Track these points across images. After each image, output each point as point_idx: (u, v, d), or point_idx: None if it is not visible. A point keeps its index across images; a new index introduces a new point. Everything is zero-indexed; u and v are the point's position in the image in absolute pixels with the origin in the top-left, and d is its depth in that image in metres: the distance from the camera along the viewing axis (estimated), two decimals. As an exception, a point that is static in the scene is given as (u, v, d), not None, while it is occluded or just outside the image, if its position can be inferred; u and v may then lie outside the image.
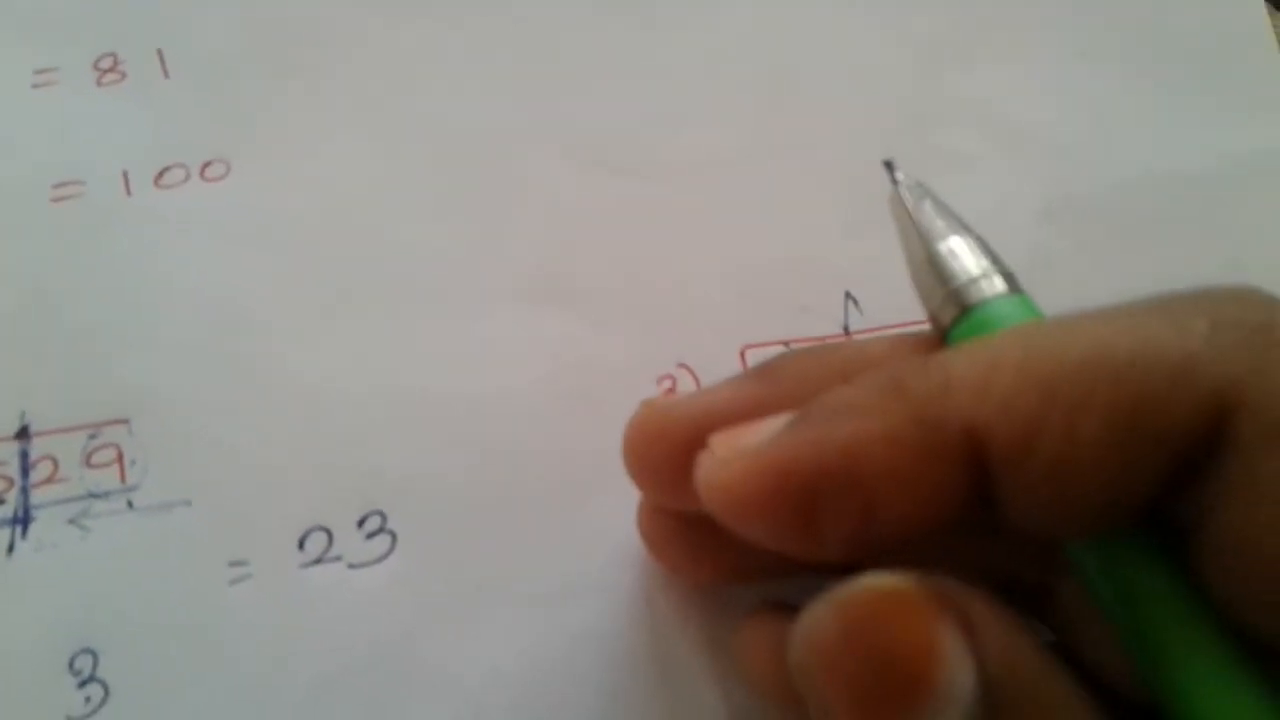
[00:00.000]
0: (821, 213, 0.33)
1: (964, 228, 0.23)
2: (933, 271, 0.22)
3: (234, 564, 0.27)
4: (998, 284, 0.22)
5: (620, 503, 0.28)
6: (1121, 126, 0.35)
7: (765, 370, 0.24)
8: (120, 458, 0.28)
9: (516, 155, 0.33)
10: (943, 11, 0.36)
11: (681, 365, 0.31)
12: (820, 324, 0.31)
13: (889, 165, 0.24)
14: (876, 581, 0.18)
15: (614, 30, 0.35)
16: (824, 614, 0.18)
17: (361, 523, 0.28)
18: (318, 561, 0.28)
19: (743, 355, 0.31)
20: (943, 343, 0.22)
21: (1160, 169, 0.34)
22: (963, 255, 0.22)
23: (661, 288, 0.31)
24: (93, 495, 0.28)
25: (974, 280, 0.22)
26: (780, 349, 0.31)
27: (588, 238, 0.32)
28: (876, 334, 0.29)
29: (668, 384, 0.30)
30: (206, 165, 0.32)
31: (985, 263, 0.22)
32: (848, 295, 0.32)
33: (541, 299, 0.31)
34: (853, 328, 0.31)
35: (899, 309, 0.31)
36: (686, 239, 0.32)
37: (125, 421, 0.29)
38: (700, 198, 0.33)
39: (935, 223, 0.23)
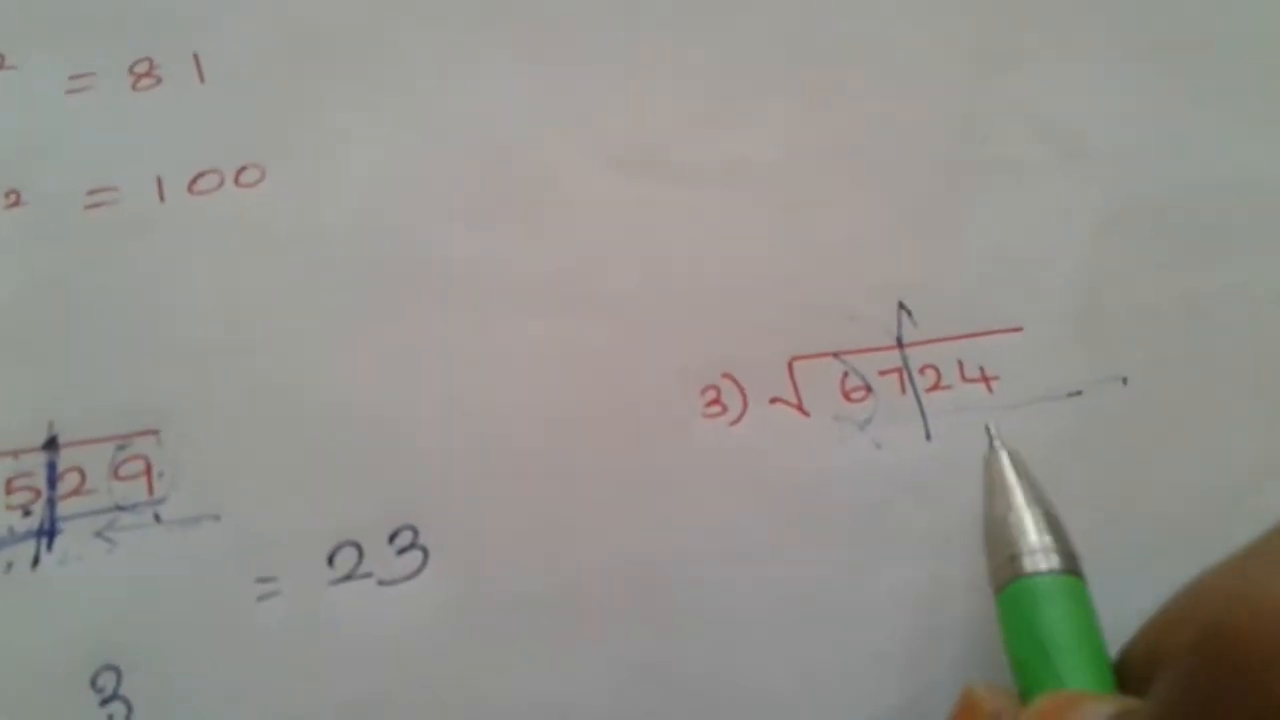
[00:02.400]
0: (871, 220, 0.32)
1: (1045, 502, 0.25)
2: (1001, 534, 0.24)
3: (262, 580, 0.27)
4: (1053, 561, 0.23)
5: (662, 519, 0.28)
6: (1184, 132, 0.33)
7: None
8: (149, 470, 0.28)
9: (555, 160, 0.32)
10: (993, 10, 0.35)
11: (726, 376, 0.30)
12: (872, 335, 0.30)
13: (988, 430, 0.26)
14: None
15: (652, 32, 0.34)
16: None
17: (393, 538, 0.27)
18: (347, 578, 0.27)
19: (790, 367, 0.30)
20: (995, 598, 0.24)
21: (1224, 176, 0.33)
22: (1029, 528, 0.24)
23: (705, 296, 0.30)
24: (120, 508, 0.27)
25: (1033, 552, 0.24)
26: (830, 361, 0.30)
27: (628, 244, 0.31)
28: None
29: (711, 394, 0.29)
30: (241, 171, 0.32)
31: (1048, 539, 0.24)
32: (900, 305, 0.30)
33: (579, 307, 0.30)
34: (906, 339, 0.30)
35: (955, 321, 0.30)
36: (730, 245, 0.31)
37: (154, 433, 0.28)
38: (745, 203, 0.32)
39: (1017, 491, 0.25)
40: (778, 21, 0.35)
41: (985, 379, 0.30)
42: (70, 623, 0.26)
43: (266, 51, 0.33)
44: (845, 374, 0.30)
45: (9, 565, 0.27)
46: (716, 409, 0.29)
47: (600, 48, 0.34)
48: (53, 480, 0.27)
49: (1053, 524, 0.24)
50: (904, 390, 0.30)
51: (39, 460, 0.28)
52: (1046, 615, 0.23)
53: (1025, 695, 0.22)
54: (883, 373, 0.30)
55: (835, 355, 0.30)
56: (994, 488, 0.25)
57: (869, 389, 0.29)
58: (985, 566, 0.25)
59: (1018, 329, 0.30)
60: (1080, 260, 0.31)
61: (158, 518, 0.27)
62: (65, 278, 0.30)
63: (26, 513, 0.27)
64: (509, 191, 0.32)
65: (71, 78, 0.33)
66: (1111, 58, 0.34)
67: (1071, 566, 0.24)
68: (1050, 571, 0.23)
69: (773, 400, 0.29)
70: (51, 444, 0.28)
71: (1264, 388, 0.30)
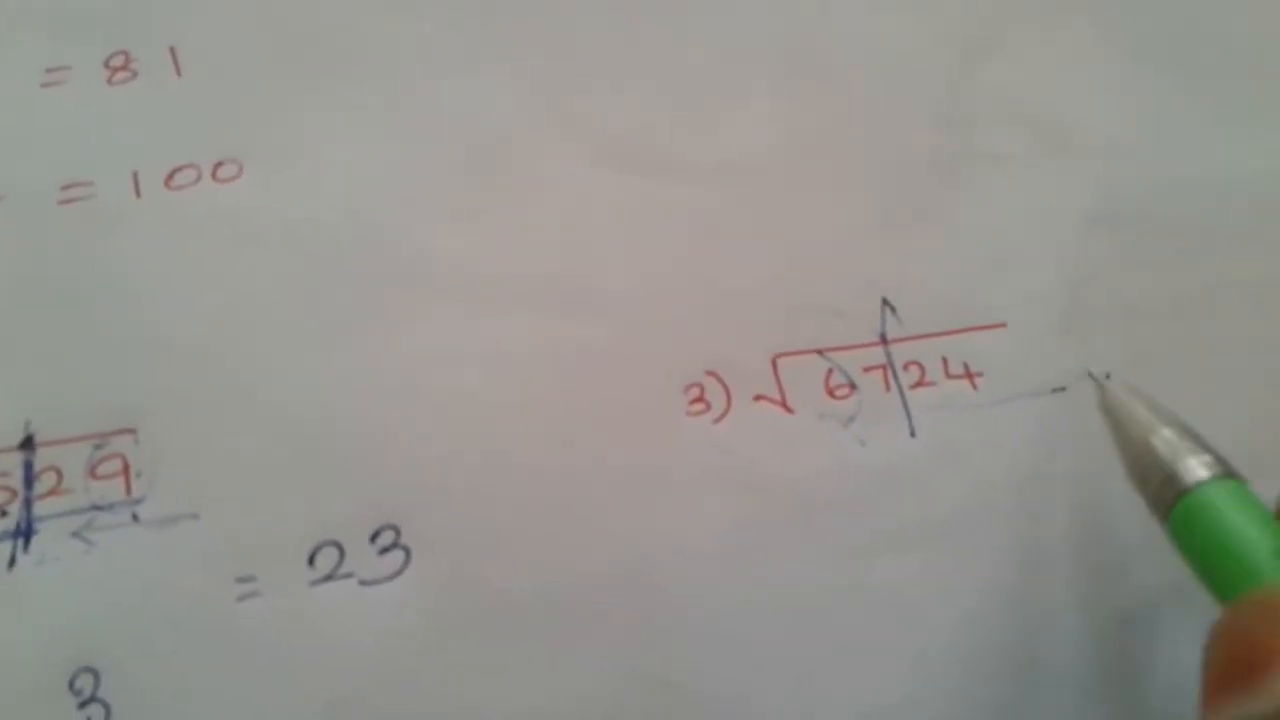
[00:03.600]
0: (856, 215, 0.31)
1: (1176, 420, 0.25)
2: (1150, 458, 0.24)
3: (242, 580, 0.26)
4: (1213, 467, 0.24)
5: (646, 518, 0.27)
6: (1171, 127, 0.33)
7: None
8: (126, 469, 0.27)
9: (537, 156, 0.32)
10: (978, 2, 0.35)
11: (710, 373, 0.29)
12: (856, 332, 0.30)
13: (1092, 375, 0.28)
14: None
15: (638, 28, 0.34)
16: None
17: (374, 537, 0.27)
18: (328, 578, 0.27)
19: (774, 364, 0.29)
20: (1163, 523, 0.24)
21: (1209, 171, 0.33)
22: (1178, 443, 0.24)
23: (688, 293, 0.30)
24: (97, 508, 0.27)
25: (1189, 465, 0.24)
26: (814, 358, 0.30)
27: (610, 241, 0.31)
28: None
29: (695, 392, 0.29)
30: (218, 166, 0.31)
31: (1199, 449, 0.24)
32: (885, 302, 0.30)
33: (562, 304, 0.30)
34: (890, 336, 0.30)
35: (939, 317, 0.30)
36: (714, 242, 0.31)
37: (132, 431, 0.28)
38: (728, 199, 0.32)
39: (1149, 413, 0.25)
40: (763, 16, 0.34)
41: (969, 375, 0.30)
42: (47, 624, 0.26)
43: (244, 45, 0.33)
44: (829, 371, 0.30)
45: (-15, 566, 0.26)
46: (700, 407, 0.29)
47: (585, 43, 0.34)
48: (29, 480, 0.27)
49: (1196, 435, 0.25)
50: (888, 387, 0.29)
51: (15, 460, 0.27)
52: (1227, 519, 0.23)
53: (1224, 601, 0.22)
54: (867, 369, 0.30)
55: (819, 352, 0.30)
56: (1122, 419, 0.26)
57: (853, 386, 0.29)
58: (1142, 498, 0.25)
59: (1002, 325, 0.30)
60: (1065, 256, 0.31)
61: (136, 517, 0.27)
62: (40, 274, 0.29)
63: (3, 513, 0.27)
64: (492, 187, 0.31)
65: (46, 71, 0.32)
66: (1098, 52, 0.34)
67: (1229, 469, 0.24)
68: (1214, 478, 0.23)
69: (757, 398, 0.29)
70: (28, 443, 0.27)
71: (1248, 384, 0.30)
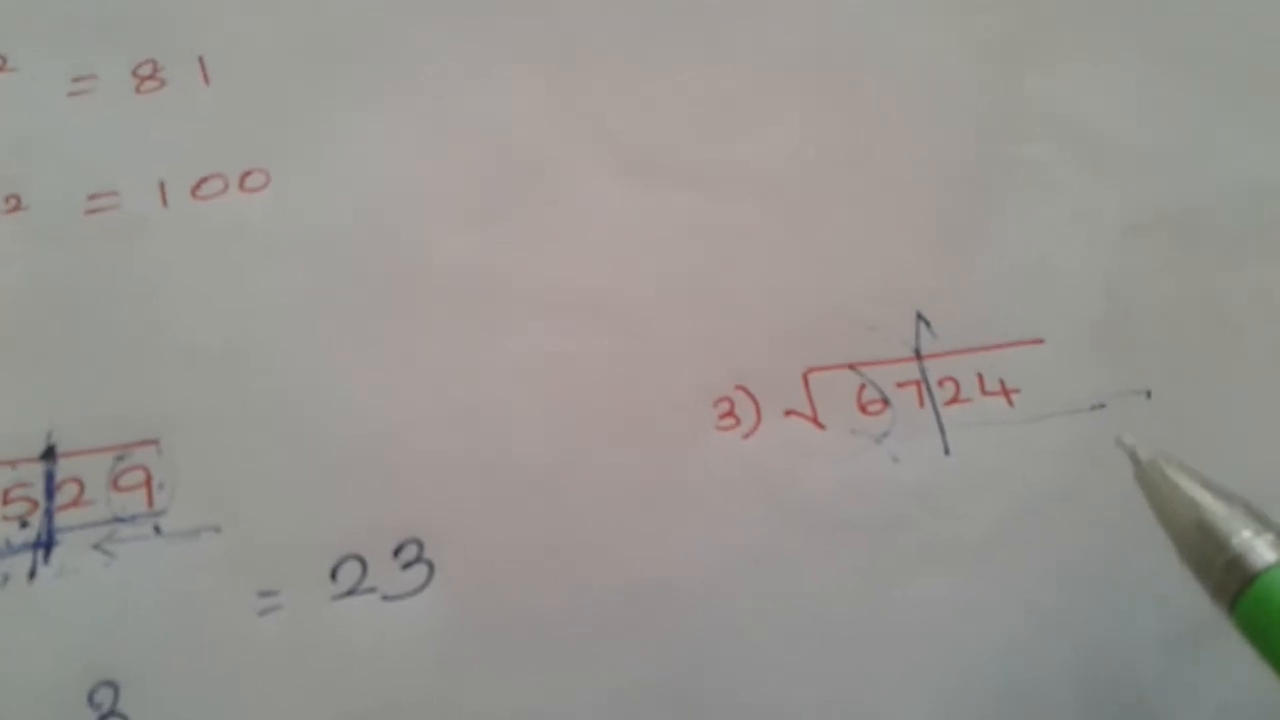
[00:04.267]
0: (890, 228, 0.31)
1: (1228, 492, 0.22)
2: (1207, 541, 0.22)
3: (263, 594, 0.26)
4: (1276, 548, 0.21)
5: (674, 534, 0.27)
6: (1210, 136, 0.33)
7: None
8: (148, 480, 0.27)
9: (565, 167, 0.32)
10: (1015, 12, 0.34)
11: (739, 388, 0.29)
12: (889, 346, 0.29)
13: (1124, 442, 0.24)
14: None
15: (669, 38, 0.34)
16: None
17: (397, 551, 0.27)
18: (351, 593, 0.26)
19: (805, 378, 0.29)
20: (1229, 612, 0.22)
21: (1248, 183, 0.32)
22: (1239, 523, 0.22)
23: (718, 306, 0.30)
24: (119, 519, 0.27)
25: (1254, 546, 0.21)
26: (846, 372, 0.29)
27: (639, 252, 0.30)
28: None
29: (725, 407, 0.29)
30: (246, 175, 0.31)
31: (1263, 528, 0.22)
32: (919, 316, 0.30)
33: (590, 315, 0.29)
34: (924, 351, 0.29)
35: (975, 332, 0.30)
36: (745, 254, 0.31)
37: (154, 442, 0.27)
38: (759, 211, 0.31)
39: (1203, 491, 0.22)
40: (795, 23, 0.34)
41: (1005, 392, 0.29)
42: (67, 637, 0.26)
43: (272, 54, 0.33)
44: (862, 386, 0.29)
45: (5, 578, 0.26)
46: (730, 421, 0.29)
47: (612, 51, 0.33)
48: (50, 491, 0.27)
49: (1256, 511, 0.22)
50: (922, 403, 0.29)
51: (37, 470, 0.27)
52: None
53: None
54: (900, 385, 0.29)
55: (851, 367, 0.29)
56: (1170, 498, 0.23)
57: (886, 401, 0.29)
58: (1201, 586, 0.22)
59: (1039, 341, 0.30)
60: (1102, 269, 0.31)
61: (157, 529, 0.27)
62: (65, 283, 0.29)
63: (24, 524, 0.26)
64: (518, 198, 0.31)
65: (73, 80, 0.32)
66: (1134, 62, 0.34)
67: None
68: None
69: (787, 413, 0.29)
70: (49, 454, 0.27)
71: (1293, 398, 0.29)
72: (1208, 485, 0.23)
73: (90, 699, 0.25)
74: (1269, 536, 0.21)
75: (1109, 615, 0.27)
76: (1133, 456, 0.24)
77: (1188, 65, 0.34)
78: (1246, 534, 0.21)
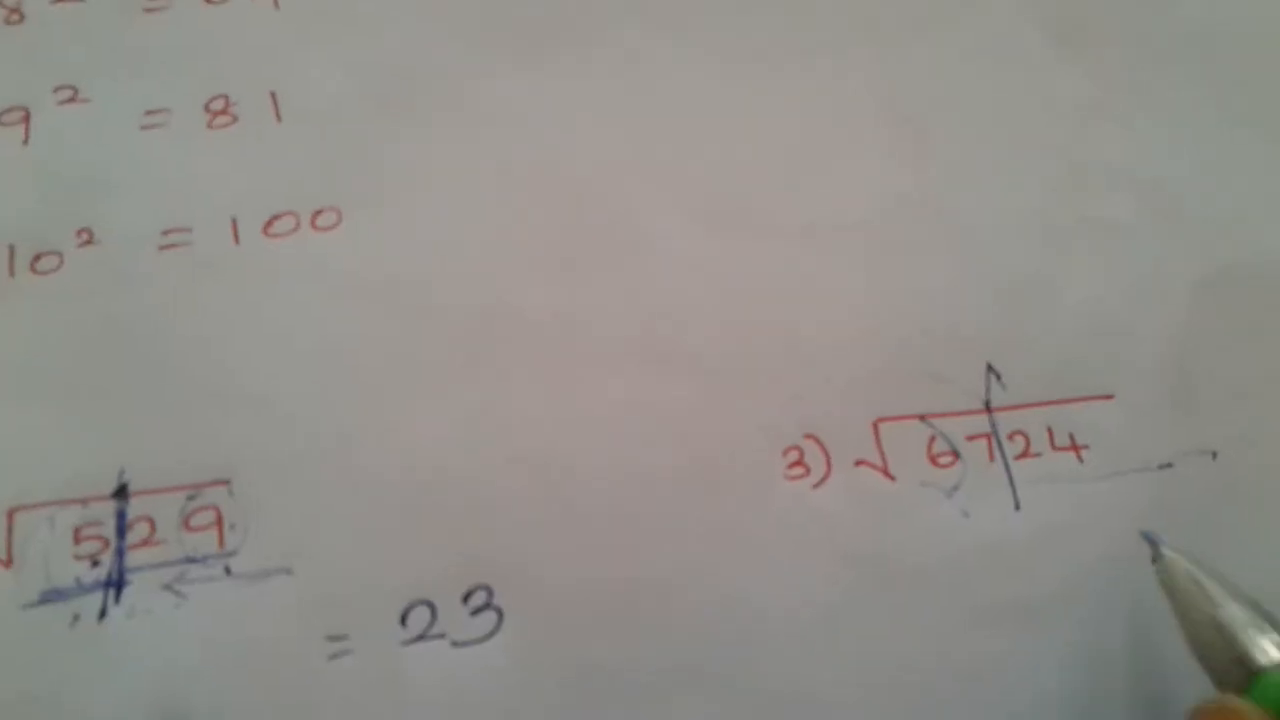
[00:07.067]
0: (961, 279, 0.31)
1: (1242, 594, 0.24)
2: (1218, 637, 0.24)
3: (333, 638, 0.26)
4: None
5: (742, 583, 0.27)
6: (1280, 196, 0.33)
7: None
8: (219, 521, 0.27)
9: (639, 212, 0.31)
10: (1090, 68, 0.34)
11: (809, 436, 0.29)
12: (959, 398, 0.29)
13: (1148, 538, 0.26)
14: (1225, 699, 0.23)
15: (746, 87, 0.33)
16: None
17: (467, 598, 0.27)
18: (420, 638, 0.26)
19: (876, 428, 0.29)
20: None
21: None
22: (1248, 621, 0.24)
23: (789, 354, 0.30)
24: (190, 560, 0.27)
25: (1262, 645, 0.23)
26: (916, 423, 0.29)
27: (711, 299, 0.30)
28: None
29: (794, 455, 0.28)
30: (317, 214, 0.31)
31: (1269, 627, 0.24)
32: (989, 368, 0.30)
33: (660, 363, 0.29)
34: (994, 403, 0.29)
35: (1046, 385, 0.30)
36: (815, 302, 0.30)
37: (226, 482, 0.27)
38: (832, 260, 0.31)
39: (1216, 588, 0.25)
40: (871, 74, 0.34)
41: (1075, 448, 0.29)
42: (136, 678, 0.25)
43: (345, 91, 0.32)
44: (932, 438, 0.29)
45: (75, 617, 0.26)
46: (799, 470, 0.28)
47: (690, 100, 0.33)
48: (122, 530, 0.27)
49: (1265, 612, 0.24)
50: (992, 457, 0.29)
51: (108, 509, 0.27)
52: None
53: None
54: (970, 438, 0.29)
55: (921, 418, 0.29)
56: (1186, 594, 0.25)
57: (956, 454, 0.29)
58: (1208, 679, 0.24)
59: (1109, 396, 0.30)
60: (1174, 326, 0.31)
61: (228, 570, 0.26)
62: (138, 320, 0.29)
63: (95, 563, 0.26)
64: (591, 242, 0.31)
65: (146, 113, 0.31)
66: (1208, 118, 0.34)
67: None
68: None
69: (857, 463, 0.29)
70: (121, 492, 0.27)
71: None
72: (1224, 584, 0.24)
73: (160, 740, 0.25)
74: (1276, 636, 0.23)
75: (1175, 675, 0.27)
76: (1156, 553, 0.26)
77: (1262, 125, 0.34)
78: (1255, 633, 0.23)
